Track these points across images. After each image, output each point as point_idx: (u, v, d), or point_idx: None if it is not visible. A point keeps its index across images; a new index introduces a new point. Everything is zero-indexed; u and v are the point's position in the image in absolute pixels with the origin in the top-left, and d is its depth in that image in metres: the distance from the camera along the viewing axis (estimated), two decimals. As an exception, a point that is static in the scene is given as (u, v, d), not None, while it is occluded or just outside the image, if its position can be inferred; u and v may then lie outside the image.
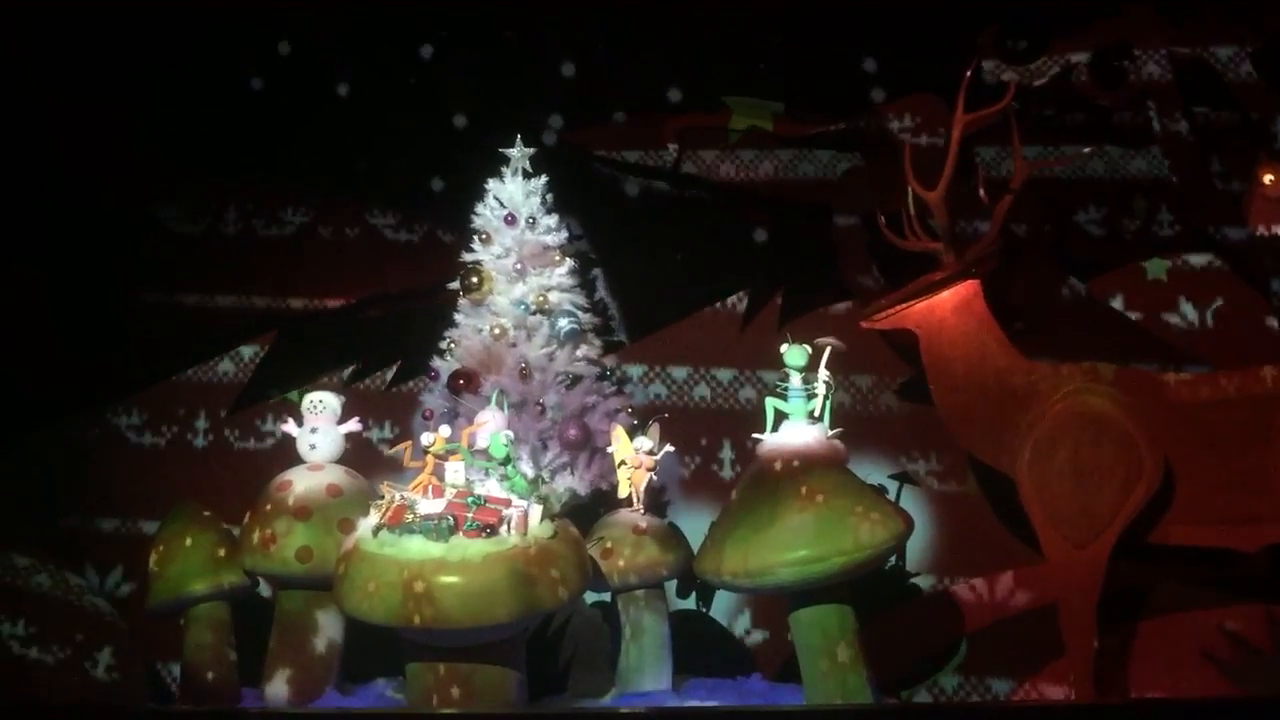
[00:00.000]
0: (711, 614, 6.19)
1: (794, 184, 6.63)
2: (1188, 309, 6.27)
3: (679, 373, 6.53)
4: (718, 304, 6.56)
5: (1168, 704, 5.46)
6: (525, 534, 4.98)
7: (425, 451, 5.18)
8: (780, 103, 6.65)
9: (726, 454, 6.38)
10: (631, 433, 5.62)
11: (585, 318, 6.01)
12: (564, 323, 5.86)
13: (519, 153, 6.01)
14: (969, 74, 5.80)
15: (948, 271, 5.72)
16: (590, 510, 5.72)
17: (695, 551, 5.46)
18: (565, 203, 6.10)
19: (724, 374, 6.49)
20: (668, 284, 6.58)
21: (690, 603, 6.13)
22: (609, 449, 5.61)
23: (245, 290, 6.78)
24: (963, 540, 6.16)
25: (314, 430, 5.55)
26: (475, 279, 5.86)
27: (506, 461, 5.13)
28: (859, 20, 6.52)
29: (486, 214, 5.97)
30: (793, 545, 5.02)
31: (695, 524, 5.74)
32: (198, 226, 6.86)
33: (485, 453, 5.16)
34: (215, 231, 6.84)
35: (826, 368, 5.34)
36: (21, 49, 6.71)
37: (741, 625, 6.21)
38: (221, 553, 5.50)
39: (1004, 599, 6.10)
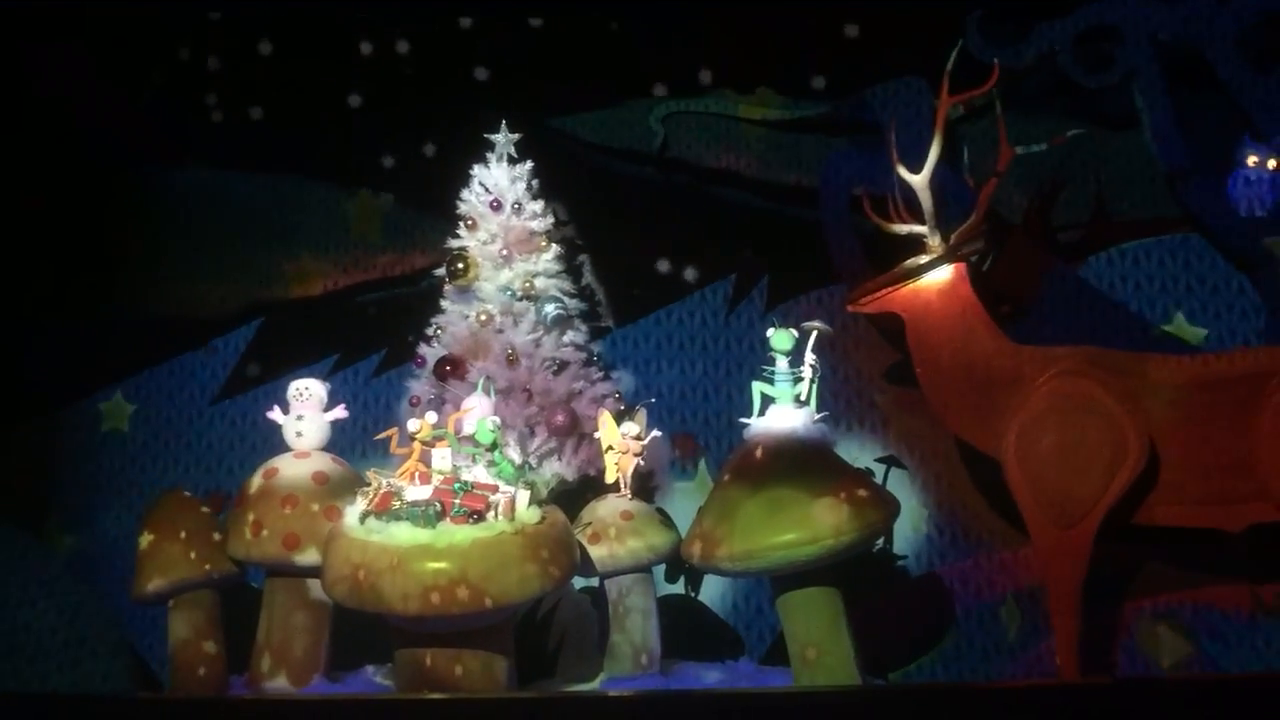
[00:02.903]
0: (699, 598, 6.21)
1: (780, 168, 6.63)
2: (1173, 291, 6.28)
3: (667, 358, 6.53)
4: (704, 288, 6.55)
5: (1153, 683, 5.49)
6: (512, 519, 4.99)
7: (412, 438, 5.19)
8: (776, 89, 6.64)
9: (713, 440, 6.38)
10: (618, 418, 5.62)
11: (572, 303, 6.01)
12: (550, 308, 5.86)
13: (504, 138, 6.01)
14: (953, 56, 5.81)
15: (933, 255, 5.73)
16: (578, 495, 5.73)
17: (683, 536, 5.48)
18: (551, 188, 6.10)
19: (711, 359, 6.49)
20: (655, 269, 6.58)
21: (678, 587, 6.14)
22: (596, 434, 5.62)
23: (232, 278, 6.76)
24: (950, 523, 6.18)
25: (300, 418, 5.53)
26: (461, 265, 5.85)
27: (493, 447, 5.14)
28: (845, 2, 6.52)
29: (472, 200, 5.97)
30: (779, 529, 5.04)
31: (683, 508, 5.75)
32: (186, 212, 6.84)
33: (472, 439, 5.17)
34: (203, 217, 6.82)
35: (812, 351, 5.35)
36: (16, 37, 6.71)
37: (729, 609, 6.22)
38: (208, 540, 5.48)
39: (991, 581, 6.12)
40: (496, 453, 5.14)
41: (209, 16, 6.79)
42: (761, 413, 5.34)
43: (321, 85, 6.76)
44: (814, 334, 5.40)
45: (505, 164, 5.98)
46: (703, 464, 6.33)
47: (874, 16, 6.49)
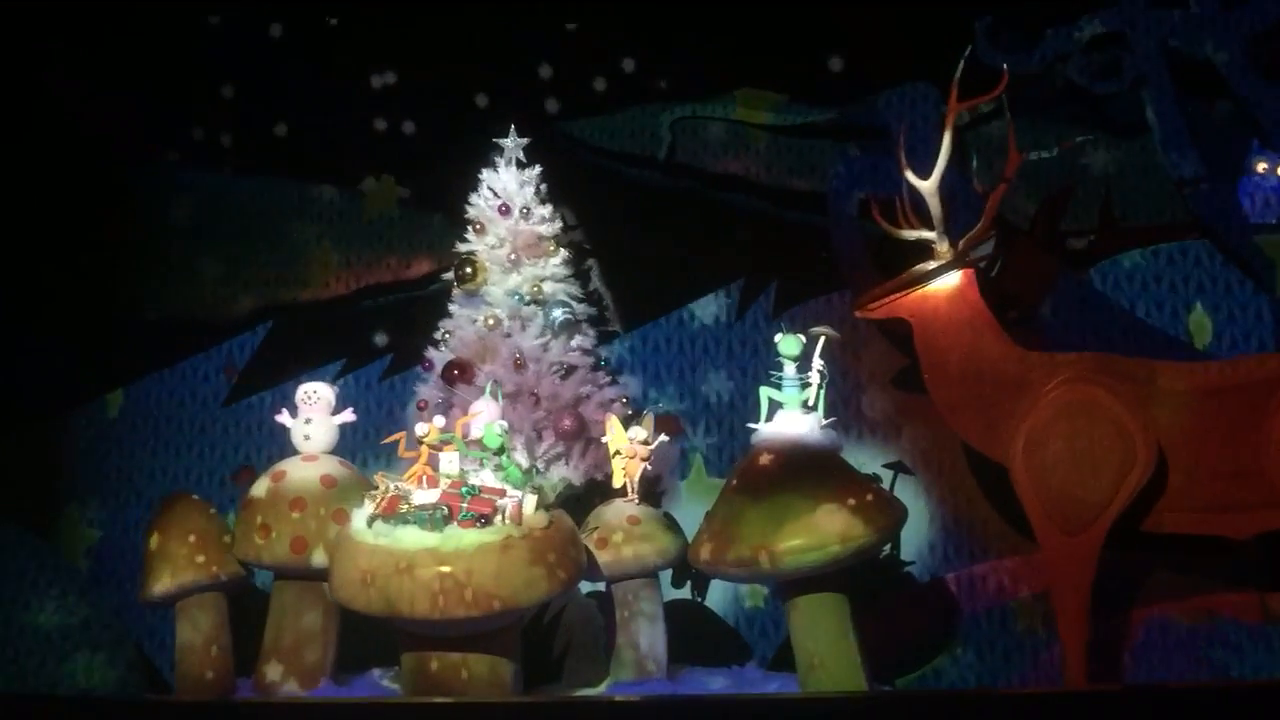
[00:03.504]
0: (706, 603, 6.21)
1: (788, 173, 6.63)
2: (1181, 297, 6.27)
3: (675, 362, 6.53)
4: (712, 294, 6.55)
5: (1160, 690, 5.47)
6: (520, 524, 4.99)
7: (420, 442, 5.19)
8: (784, 94, 6.65)
9: (716, 447, 6.38)
10: (626, 423, 5.63)
11: (579, 308, 6.01)
12: (558, 313, 5.87)
13: (513, 143, 6.02)
14: (962, 62, 5.80)
15: (941, 260, 5.72)
16: (585, 500, 5.73)
17: (690, 541, 5.47)
18: (559, 193, 6.11)
19: (718, 364, 6.49)
20: (662, 274, 6.58)
21: (685, 592, 6.14)
22: (603, 439, 5.62)
23: (241, 281, 6.78)
24: (957, 529, 6.17)
25: (308, 421, 5.54)
26: (469, 269, 5.86)
27: (501, 451, 5.14)
28: (853, 8, 6.52)
29: (480, 204, 5.98)
30: (787, 534, 5.04)
31: (690, 513, 5.75)
32: (195, 215, 6.86)
33: (479, 443, 5.17)
34: (211, 219, 6.84)
35: (820, 357, 5.35)
36: (24, 42, 6.73)
37: (736, 614, 6.22)
38: (216, 543, 5.50)
39: (998, 587, 6.11)
40: (504, 457, 5.15)
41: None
42: (769, 418, 5.34)
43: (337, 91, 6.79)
44: (822, 339, 5.40)
45: (514, 169, 5.99)
46: (699, 460, 6.33)
47: (883, 22, 6.49)
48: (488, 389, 5.55)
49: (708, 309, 6.53)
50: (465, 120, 6.60)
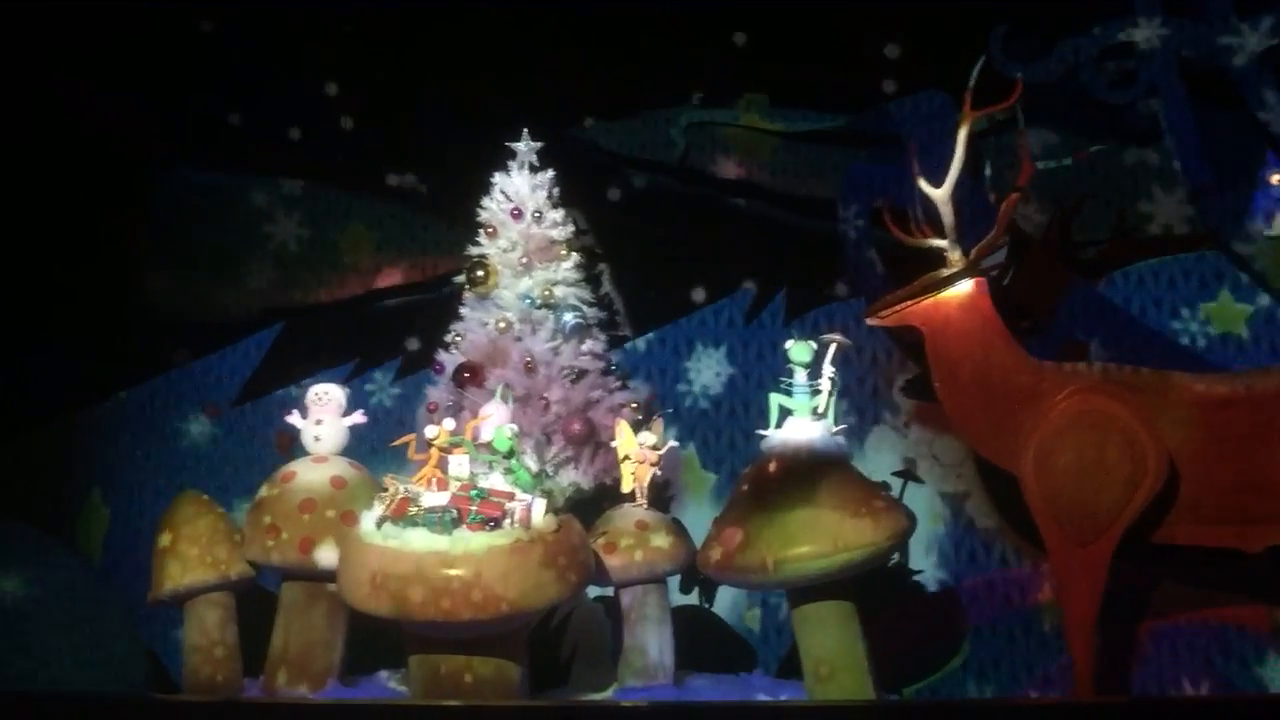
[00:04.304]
0: (714, 609, 6.20)
1: (801, 179, 6.63)
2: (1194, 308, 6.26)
3: (685, 368, 6.53)
4: (724, 299, 6.55)
5: (1169, 703, 5.46)
6: (529, 528, 4.99)
7: (429, 444, 5.20)
8: (797, 100, 6.64)
9: (731, 450, 6.38)
10: (635, 427, 5.63)
11: (590, 312, 6.01)
12: (569, 317, 5.87)
13: (526, 147, 6.02)
14: (976, 71, 5.80)
15: (954, 269, 5.71)
16: (594, 505, 5.73)
17: (698, 546, 5.47)
18: (571, 197, 6.11)
19: (729, 369, 6.49)
20: (673, 279, 6.59)
21: (693, 598, 6.14)
22: (613, 443, 5.62)
23: (252, 281, 6.79)
24: (966, 537, 6.16)
25: (319, 422, 5.55)
26: (481, 273, 5.87)
27: (510, 455, 5.14)
28: (867, 16, 6.52)
29: (493, 208, 5.98)
30: (796, 541, 5.03)
31: (699, 519, 5.75)
32: (206, 215, 6.87)
33: (489, 446, 5.17)
34: (217, 222, 6.85)
35: (831, 364, 5.35)
36: (23, 30, 6.73)
37: (744, 621, 6.21)
38: (225, 543, 5.50)
39: (1006, 597, 6.10)
40: (513, 460, 5.14)
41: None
42: (779, 425, 5.34)
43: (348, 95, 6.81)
44: (833, 346, 5.39)
45: (526, 172, 6.00)
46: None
47: (897, 30, 6.49)
48: (498, 392, 5.56)
49: (719, 314, 6.54)
50: (478, 123, 6.61)
